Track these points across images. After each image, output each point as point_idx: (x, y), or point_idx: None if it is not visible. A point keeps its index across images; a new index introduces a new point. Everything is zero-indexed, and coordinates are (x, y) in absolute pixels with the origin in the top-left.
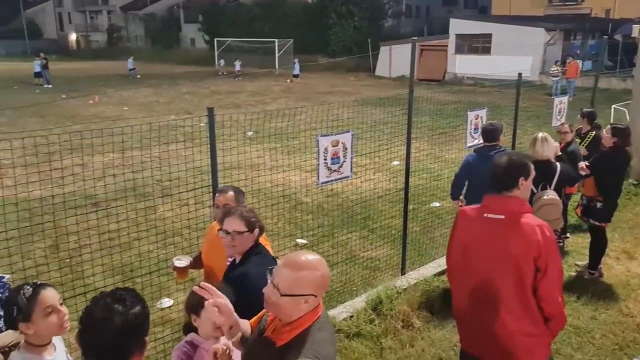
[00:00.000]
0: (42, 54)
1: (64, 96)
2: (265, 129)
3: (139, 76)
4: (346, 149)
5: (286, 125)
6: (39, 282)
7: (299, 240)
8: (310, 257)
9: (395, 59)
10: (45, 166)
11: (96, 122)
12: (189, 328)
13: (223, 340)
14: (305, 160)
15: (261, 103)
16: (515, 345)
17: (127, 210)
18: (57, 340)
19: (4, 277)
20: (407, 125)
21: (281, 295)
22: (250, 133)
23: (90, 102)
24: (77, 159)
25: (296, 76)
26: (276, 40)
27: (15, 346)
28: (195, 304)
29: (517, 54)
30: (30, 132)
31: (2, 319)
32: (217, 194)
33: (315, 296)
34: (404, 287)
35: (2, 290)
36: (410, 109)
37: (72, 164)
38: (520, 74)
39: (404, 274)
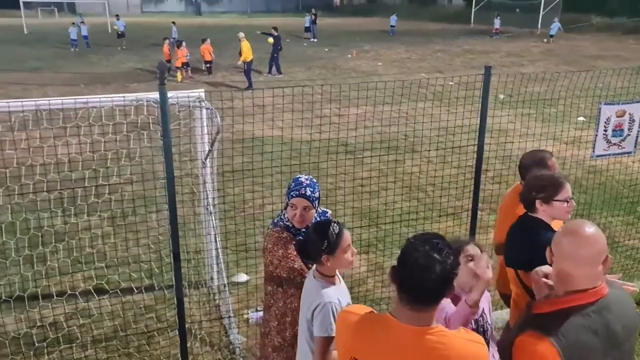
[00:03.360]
0: (313, 10)
1: (326, 50)
2: (519, 93)
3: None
4: (633, 121)
5: (544, 90)
6: (338, 222)
7: None
8: (586, 228)
9: None
10: (309, 113)
11: (353, 75)
12: None
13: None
14: (562, 131)
15: (517, 65)
16: None
17: (378, 162)
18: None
19: (327, 212)
20: None
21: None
22: (502, 96)
23: (349, 56)
24: (335, 109)
25: (551, 36)
26: None
27: None
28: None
29: None
30: (298, 82)
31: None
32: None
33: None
34: None
35: None
36: None
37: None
38: None
39: None
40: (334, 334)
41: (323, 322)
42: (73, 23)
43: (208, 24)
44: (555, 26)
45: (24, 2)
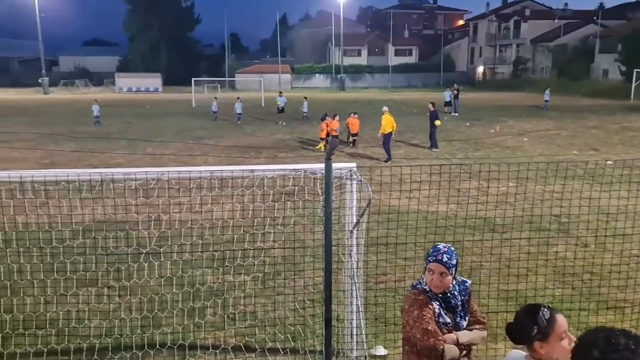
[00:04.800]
0: (455, 85)
1: (467, 124)
2: None
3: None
4: None
5: None
6: (552, 306)
7: None
8: None
9: None
10: (450, 188)
11: (496, 150)
12: None
13: None
14: None
15: None
16: None
17: (527, 245)
18: None
19: (467, 282)
20: None
21: None
22: None
23: (492, 130)
24: (478, 185)
25: None
26: None
27: (468, 347)
28: None
29: None
30: (436, 158)
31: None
32: None
33: None
34: None
35: (464, 293)
36: None
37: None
38: None
39: None
40: None
41: None
42: (238, 98)
43: (350, 98)
44: None
45: (194, 80)
